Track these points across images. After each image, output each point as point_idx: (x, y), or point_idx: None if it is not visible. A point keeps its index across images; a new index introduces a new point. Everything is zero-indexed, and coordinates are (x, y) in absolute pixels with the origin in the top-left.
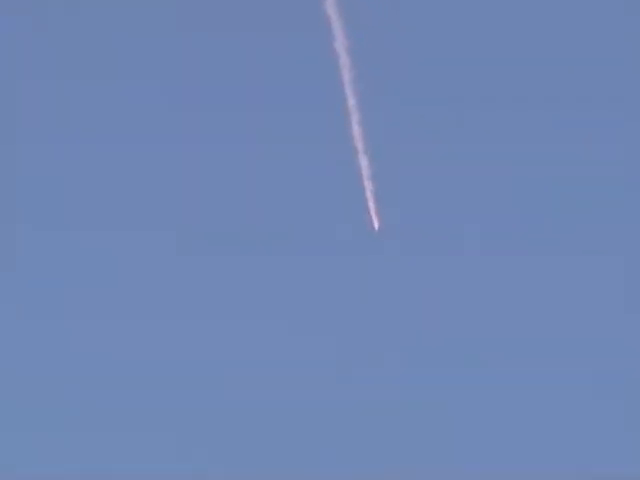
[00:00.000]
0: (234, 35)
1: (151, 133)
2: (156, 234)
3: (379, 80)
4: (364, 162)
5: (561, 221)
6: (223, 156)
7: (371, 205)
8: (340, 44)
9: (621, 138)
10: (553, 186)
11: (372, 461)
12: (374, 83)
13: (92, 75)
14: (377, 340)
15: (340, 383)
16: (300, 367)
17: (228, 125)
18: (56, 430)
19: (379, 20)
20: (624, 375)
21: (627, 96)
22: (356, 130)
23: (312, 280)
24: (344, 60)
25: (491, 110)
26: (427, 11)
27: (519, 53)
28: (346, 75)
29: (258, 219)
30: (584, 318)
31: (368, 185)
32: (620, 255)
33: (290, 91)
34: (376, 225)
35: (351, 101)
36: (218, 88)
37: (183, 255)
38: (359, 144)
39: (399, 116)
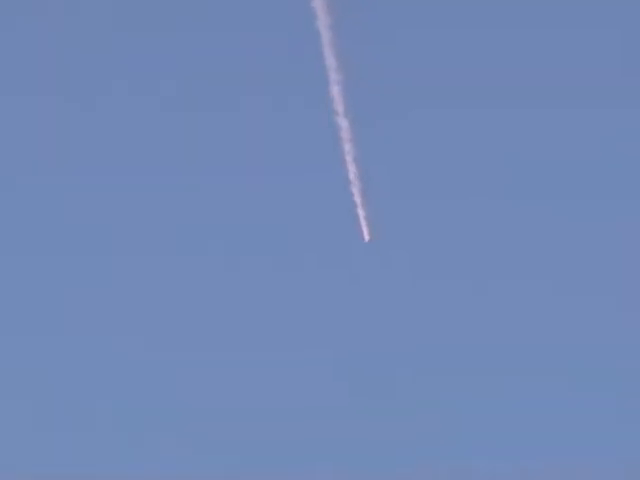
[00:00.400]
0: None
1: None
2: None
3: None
4: (354, 173)
5: (555, 240)
6: (217, 170)
7: (361, 217)
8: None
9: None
10: (545, 195)
11: (368, 464)
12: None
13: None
14: (368, 351)
15: (332, 390)
16: (292, 375)
17: (223, 139)
18: (55, 430)
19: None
20: (622, 375)
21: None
22: (347, 146)
23: (303, 292)
24: (331, 63)
25: (484, 109)
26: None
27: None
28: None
29: (249, 229)
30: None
31: (358, 197)
32: (617, 254)
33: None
34: (366, 237)
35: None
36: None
37: (183, 256)
38: (349, 154)
39: (389, 128)
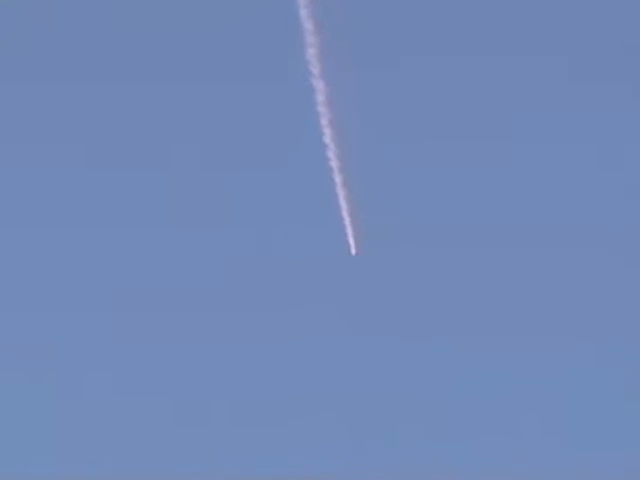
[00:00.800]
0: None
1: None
2: None
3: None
4: (342, 187)
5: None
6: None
7: (349, 230)
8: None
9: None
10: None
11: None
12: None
13: None
14: (356, 363)
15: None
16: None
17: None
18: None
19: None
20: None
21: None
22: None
23: (291, 303)
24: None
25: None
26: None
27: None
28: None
29: (238, 239)
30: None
31: (346, 208)
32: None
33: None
34: (354, 250)
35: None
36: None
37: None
38: (337, 168)
39: (376, 136)
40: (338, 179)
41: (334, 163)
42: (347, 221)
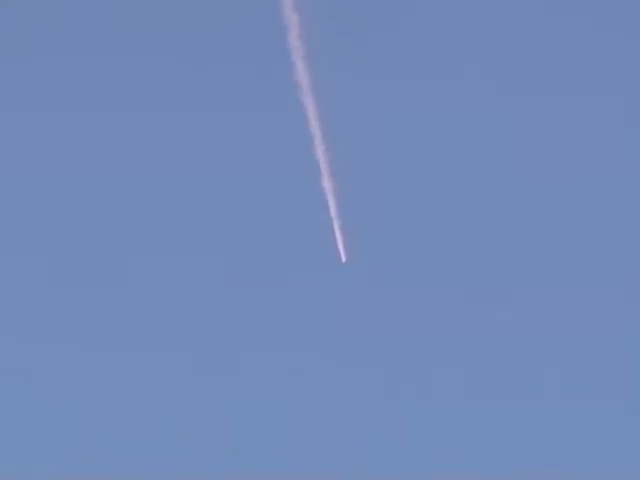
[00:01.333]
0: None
1: None
2: None
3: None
4: (332, 195)
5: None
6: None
7: (339, 237)
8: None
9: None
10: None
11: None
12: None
13: None
14: (345, 373)
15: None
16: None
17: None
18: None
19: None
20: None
21: None
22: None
23: (281, 312)
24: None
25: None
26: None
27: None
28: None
29: (228, 250)
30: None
31: (336, 218)
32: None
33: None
34: (343, 258)
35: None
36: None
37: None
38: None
39: (365, 147)
40: (328, 187)
41: (325, 173)
42: (337, 228)
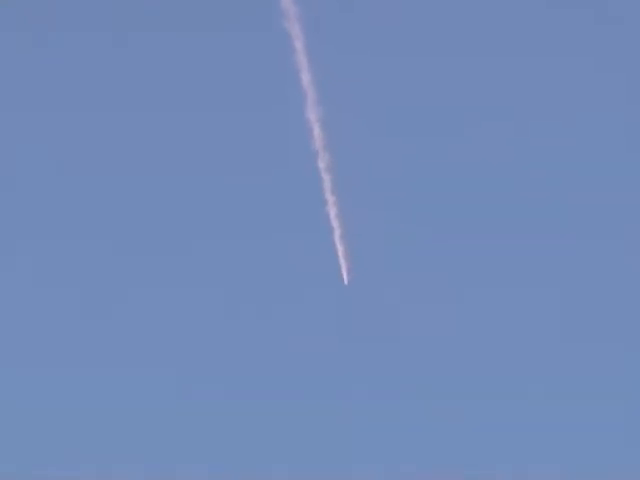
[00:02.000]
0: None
1: None
2: None
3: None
4: (335, 216)
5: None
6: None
7: (342, 260)
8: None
9: None
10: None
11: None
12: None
13: None
14: (347, 389)
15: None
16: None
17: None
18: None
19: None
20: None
21: None
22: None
23: (283, 332)
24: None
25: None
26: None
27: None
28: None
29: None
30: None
31: (339, 241)
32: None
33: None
34: (346, 280)
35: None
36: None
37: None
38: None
39: (367, 160)
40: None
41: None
42: (340, 251)
